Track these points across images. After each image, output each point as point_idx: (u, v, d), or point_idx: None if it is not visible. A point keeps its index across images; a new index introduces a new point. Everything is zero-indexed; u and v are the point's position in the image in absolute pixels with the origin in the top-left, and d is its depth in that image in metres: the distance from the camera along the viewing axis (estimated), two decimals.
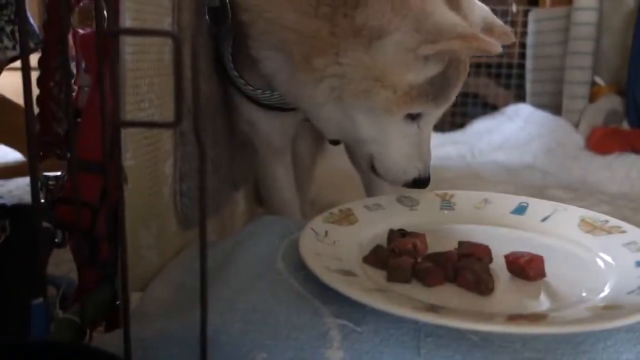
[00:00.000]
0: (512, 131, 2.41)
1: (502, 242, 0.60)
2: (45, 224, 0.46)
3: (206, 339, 0.42)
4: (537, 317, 0.44)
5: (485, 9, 0.75)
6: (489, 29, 0.73)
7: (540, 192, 1.71)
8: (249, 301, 0.49)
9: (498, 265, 0.54)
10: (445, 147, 2.37)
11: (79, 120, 0.54)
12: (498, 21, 0.75)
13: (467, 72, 0.72)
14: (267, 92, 0.78)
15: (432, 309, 0.43)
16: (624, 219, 0.65)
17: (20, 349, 0.33)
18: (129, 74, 0.54)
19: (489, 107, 2.78)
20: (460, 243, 0.56)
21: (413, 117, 0.70)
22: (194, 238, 0.72)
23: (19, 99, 0.51)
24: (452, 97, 0.71)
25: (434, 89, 0.67)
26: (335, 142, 0.97)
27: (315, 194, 1.37)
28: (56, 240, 0.52)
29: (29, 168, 0.38)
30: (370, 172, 0.75)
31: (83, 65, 0.56)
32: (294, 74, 0.70)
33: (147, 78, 0.57)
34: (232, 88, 0.81)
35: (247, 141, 0.89)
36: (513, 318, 0.43)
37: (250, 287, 0.52)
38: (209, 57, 0.78)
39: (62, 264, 0.59)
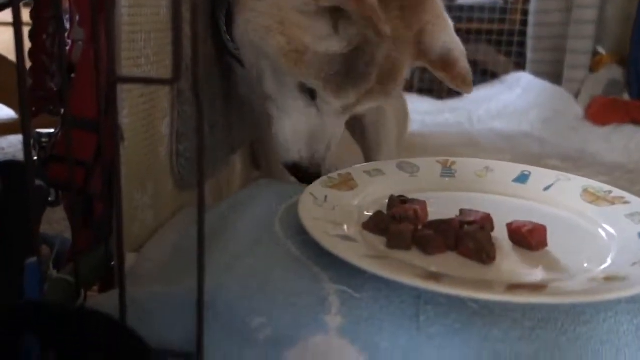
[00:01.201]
0: (511, 99, 2.39)
1: (504, 210, 0.59)
2: (38, 182, 0.45)
3: (203, 303, 0.41)
4: (537, 287, 0.44)
5: (459, 47, 0.69)
6: (448, 63, 0.68)
7: (538, 161, 1.71)
8: (247, 266, 0.48)
9: (500, 234, 0.53)
10: (444, 114, 2.36)
11: (72, 75, 0.52)
12: (464, 64, 0.69)
13: (395, 83, 0.66)
14: None
15: (433, 276, 0.43)
16: (622, 189, 0.64)
17: (14, 310, 0.32)
18: (125, 28, 0.52)
19: (489, 75, 2.76)
20: (462, 211, 0.55)
21: (309, 94, 0.66)
22: (190, 199, 0.71)
23: (10, 54, 0.49)
24: (351, 95, 0.64)
25: (331, 69, 0.62)
26: None
27: None
28: (50, 199, 0.50)
29: (21, 125, 0.37)
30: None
31: (77, 17, 0.54)
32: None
33: (143, 33, 0.55)
34: (226, 50, 0.79)
35: (246, 103, 0.88)
36: (513, 287, 0.43)
37: (248, 251, 0.51)
38: (205, 18, 0.76)
39: (55, 222, 0.58)
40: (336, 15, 0.61)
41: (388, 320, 0.44)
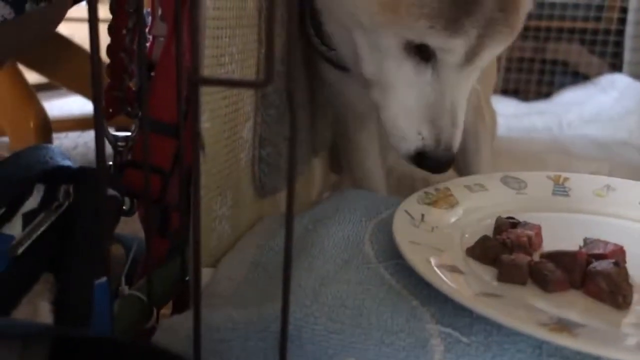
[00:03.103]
0: (606, 103, 2.22)
1: (634, 239, 0.51)
2: (111, 192, 0.41)
3: (287, 335, 0.36)
4: None
5: None
6: None
7: (638, 173, 1.56)
8: (336, 294, 0.42)
9: (633, 270, 0.45)
10: (531, 117, 2.22)
11: (152, 74, 0.48)
12: None
13: (516, 7, 0.52)
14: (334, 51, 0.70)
15: (563, 327, 0.35)
16: None
17: (70, 346, 0.28)
18: (210, 22, 0.48)
19: (580, 77, 2.58)
20: (587, 241, 0.47)
21: (424, 57, 0.53)
22: (270, 208, 0.66)
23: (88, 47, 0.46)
24: (471, 31, 0.50)
25: (441, 3, 0.48)
26: None
27: (394, 161, 1.29)
28: (124, 207, 0.46)
29: (95, 128, 0.32)
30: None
31: (159, 11, 0.50)
32: None
33: (228, 29, 0.50)
34: (315, 53, 0.74)
35: (329, 104, 0.82)
36: None
37: (336, 275, 0.45)
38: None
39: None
40: None
41: None
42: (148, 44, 0.51)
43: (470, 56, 0.52)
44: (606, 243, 0.46)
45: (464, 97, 0.55)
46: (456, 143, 0.55)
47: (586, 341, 0.33)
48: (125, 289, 0.44)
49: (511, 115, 2.19)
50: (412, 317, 0.40)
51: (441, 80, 0.53)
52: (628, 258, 0.46)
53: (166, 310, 0.51)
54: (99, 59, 0.30)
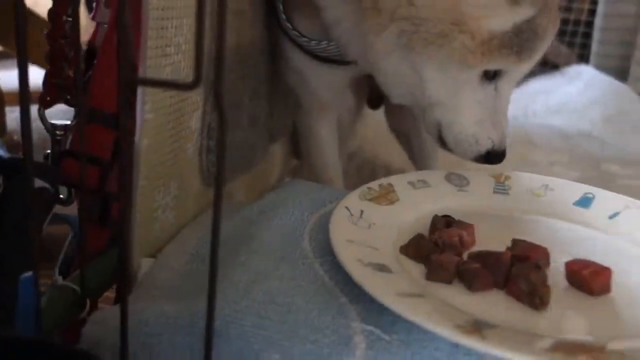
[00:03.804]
0: (571, 94, 2.25)
1: (563, 240, 0.53)
2: (41, 184, 0.41)
3: (212, 332, 0.36)
4: (593, 349, 0.37)
5: None
6: None
7: (597, 165, 1.60)
8: (268, 290, 0.43)
9: (556, 270, 0.47)
10: None
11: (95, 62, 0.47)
12: None
13: (558, 25, 0.63)
14: (324, 43, 0.71)
15: (477, 328, 0.37)
16: None
17: None
18: (154, 13, 0.47)
19: (549, 66, 2.61)
20: (515, 241, 0.48)
21: (491, 77, 0.61)
22: None
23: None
24: (539, 53, 0.61)
25: (520, 39, 0.58)
26: (375, 106, 0.89)
27: (357, 147, 1.30)
28: (61, 197, 0.46)
29: (21, 118, 0.32)
30: (437, 144, 0.66)
31: None
32: (360, 20, 0.62)
33: (174, 19, 0.50)
34: (283, 37, 0.74)
35: (291, 92, 0.83)
36: (567, 348, 0.36)
37: (271, 271, 0.46)
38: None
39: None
40: None
41: None
42: (92, 31, 0.50)
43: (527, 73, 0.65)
44: (532, 245, 0.47)
45: (510, 98, 0.66)
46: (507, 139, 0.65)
47: (494, 343, 0.35)
48: (58, 279, 0.45)
49: None
50: (338, 315, 0.41)
51: (499, 92, 0.63)
52: (553, 257, 0.48)
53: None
54: (25, 44, 0.30)
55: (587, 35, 2.55)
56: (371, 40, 0.62)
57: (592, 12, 2.50)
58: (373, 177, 0.62)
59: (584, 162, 1.64)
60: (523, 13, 0.58)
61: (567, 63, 2.56)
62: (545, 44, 0.61)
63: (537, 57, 0.62)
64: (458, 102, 0.62)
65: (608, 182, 1.39)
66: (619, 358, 0.37)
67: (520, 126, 2.04)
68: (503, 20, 0.57)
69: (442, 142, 0.65)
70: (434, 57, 0.59)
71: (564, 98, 2.24)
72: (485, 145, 0.62)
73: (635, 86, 2.15)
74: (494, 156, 0.63)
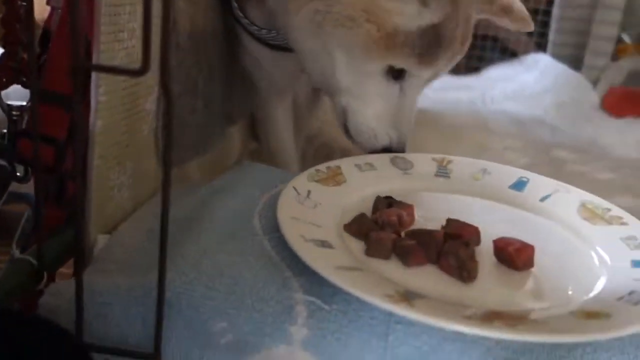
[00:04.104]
0: (528, 81, 2.31)
1: (495, 220, 0.57)
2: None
3: (163, 302, 0.39)
4: (516, 317, 0.41)
5: None
6: (506, 8, 0.68)
7: (547, 150, 1.67)
8: (216, 263, 0.46)
9: (485, 247, 0.51)
10: (458, 92, 2.30)
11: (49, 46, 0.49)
12: (518, 4, 0.70)
13: (469, 40, 0.66)
14: (273, 32, 0.73)
15: (406, 298, 0.40)
16: (627, 187, 0.60)
17: None
18: None
19: (508, 53, 2.67)
20: (449, 221, 0.52)
21: (396, 76, 0.65)
22: (174, 177, 0.68)
23: None
24: (442, 62, 0.65)
25: (423, 43, 0.61)
26: None
27: (317, 130, 1.33)
28: (18, 174, 0.48)
29: None
30: (342, 132, 0.70)
31: None
32: (286, 2, 0.65)
33: (128, 5, 0.52)
34: (237, 25, 0.76)
35: (248, 76, 0.85)
36: (490, 316, 0.40)
37: (220, 246, 0.49)
38: None
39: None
40: None
41: (355, 336, 0.42)
42: (47, 15, 0.51)
43: (432, 77, 0.67)
44: (464, 224, 0.51)
45: (416, 104, 0.69)
46: (408, 140, 0.68)
47: (421, 311, 0.39)
48: (16, 253, 0.46)
49: (439, 88, 2.26)
50: (282, 287, 0.44)
51: (405, 94, 0.66)
52: (484, 236, 0.52)
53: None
54: None
55: (545, 24, 2.62)
56: (292, 19, 0.64)
57: (551, 2, 2.57)
58: (330, 159, 0.65)
59: (536, 148, 1.70)
60: (429, 18, 0.61)
61: (526, 51, 2.62)
62: (449, 55, 0.64)
63: (441, 65, 0.65)
64: (363, 92, 0.65)
65: (557, 168, 1.45)
66: (536, 325, 0.41)
67: (477, 112, 2.10)
68: (409, 19, 0.60)
69: (346, 130, 0.68)
70: (342, 40, 0.62)
71: (521, 85, 2.30)
72: (382, 141, 0.66)
73: (588, 75, 2.22)
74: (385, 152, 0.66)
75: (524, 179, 0.63)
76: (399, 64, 0.63)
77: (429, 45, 0.62)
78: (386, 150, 0.66)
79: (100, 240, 0.53)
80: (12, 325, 0.35)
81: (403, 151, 0.67)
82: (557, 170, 1.48)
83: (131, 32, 0.53)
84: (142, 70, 0.36)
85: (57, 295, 0.44)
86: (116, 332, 0.44)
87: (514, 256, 0.48)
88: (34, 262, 0.46)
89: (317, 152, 1.25)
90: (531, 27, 0.71)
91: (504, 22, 0.69)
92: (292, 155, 0.90)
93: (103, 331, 0.43)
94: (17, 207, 0.58)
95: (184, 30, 0.66)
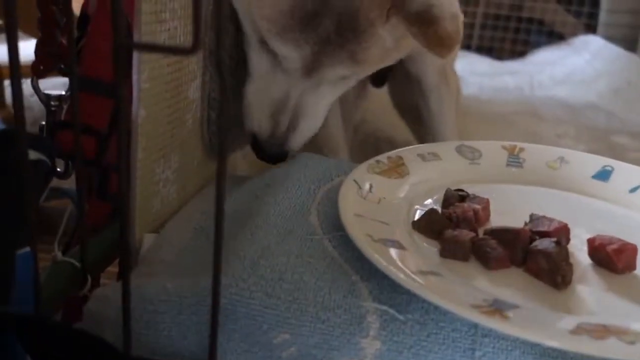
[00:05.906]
0: (578, 65, 2.21)
1: (581, 214, 0.51)
2: (38, 155, 0.38)
3: (218, 310, 0.35)
4: (620, 332, 0.35)
5: (448, 7, 0.54)
6: (425, 20, 0.53)
7: (604, 137, 1.57)
8: (275, 267, 0.41)
9: (576, 247, 0.45)
10: (503, 77, 2.20)
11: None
12: (447, 25, 0.53)
13: (355, 44, 0.54)
14: None
15: (497, 308, 0.35)
16: None
17: None
18: None
19: (555, 36, 2.56)
20: (532, 217, 0.46)
21: (275, 56, 0.57)
22: None
23: None
24: (303, 43, 0.54)
25: (275, 6, 0.53)
26: (378, 85, 0.87)
27: (360, 120, 1.28)
28: (58, 170, 0.44)
29: (12, 87, 0.30)
30: None
31: None
32: None
33: None
34: None
35: None
36: (600, 331, 0.34)
37: (278, 246, 0.44)
38: None
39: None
40: None
41: (436, 351, 0.37)
42: None
43: (310, 70, 0.57)
44: (551, 220, 0.45)
45: (315, 105, 0.60)
46: (293, 143, 0.61)
47: (517, 325, 0.33)
48: (58, 254, 0.43)
49: (483, 73, 2.17)
50: (349, 294, 0.39)
51: (288, 82, 0.58)
52: (573, 233, 0.46)
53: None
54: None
55: (595, 5, 2.49)
56: None
57: None
58: (377, 150, 0.59)
59: (592, 135, 1.61)
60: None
61: (574, 33, 2.50)
62: (313, 33, 0.53)
63: (308, 47, 0.54)
64: (251, 65, 0.60)
65: (619, 155, 1.36)
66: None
67: (526, 98, 2.01)
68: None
69: None
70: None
71: (571, 69, 2.20)
72: (250, 125, 0.60)
73: None
74: (258, 147, 0.60)
75: (608, 168, 0.57)
76: (267, 37, 0.55)
77: (287, 17, 0.53)
78: (254, 139, 0.60)
79: (147, 240, 0.49)
80: (53, 338, 0.31)
81: (280, 152, 0.60)
82: (619, 158, 1.40)
83: (173, 12, 0.48)
84: (193, 49, 0.31)
85: (103, 302, 0.40)
86: (166, 342, 0.39)
87: (614, 257, 0.42)
88: (77, 264, 0.42)
89: (364, 143, 1.20)
90: (444, 54, 0.54)
91: (414, 34, 0.53)
92: (341, 144, 0.84)
93: (153, 341, 0.39)
94: (58, 202, 0.54)
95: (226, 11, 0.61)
